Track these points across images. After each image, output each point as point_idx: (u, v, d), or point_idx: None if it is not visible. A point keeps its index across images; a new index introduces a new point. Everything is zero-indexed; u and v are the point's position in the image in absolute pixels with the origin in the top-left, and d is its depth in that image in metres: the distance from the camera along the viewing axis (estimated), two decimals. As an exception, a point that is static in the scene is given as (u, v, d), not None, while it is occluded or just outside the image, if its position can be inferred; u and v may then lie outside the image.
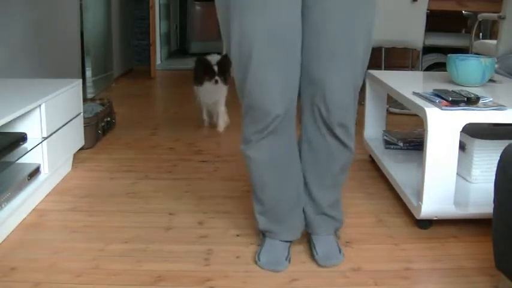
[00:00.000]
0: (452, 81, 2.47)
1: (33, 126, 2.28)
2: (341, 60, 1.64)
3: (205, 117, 3.68)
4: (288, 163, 1.78)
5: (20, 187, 2.11)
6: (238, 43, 1.62)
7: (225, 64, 3.40)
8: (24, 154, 2.18)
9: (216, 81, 3.36)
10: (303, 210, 1.86)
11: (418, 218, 2.06)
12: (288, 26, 1.61)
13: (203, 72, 3.39)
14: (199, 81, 3.43)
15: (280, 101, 1.64)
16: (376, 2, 1.71)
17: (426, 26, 4.01)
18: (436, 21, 4.28)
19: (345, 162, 1.80)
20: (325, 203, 1.83)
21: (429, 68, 4.59)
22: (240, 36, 1.61)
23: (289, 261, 1.81)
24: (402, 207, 2.26)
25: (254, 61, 1.60)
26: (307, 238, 1.91)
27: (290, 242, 1.87)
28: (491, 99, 2.08)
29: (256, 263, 1.80)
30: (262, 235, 1.91)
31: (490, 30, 4.59)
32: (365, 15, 1.66)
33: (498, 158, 1.52)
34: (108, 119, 3.42)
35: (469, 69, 2.40)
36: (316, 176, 1.81)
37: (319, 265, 1.80)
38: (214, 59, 3.44)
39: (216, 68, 3.36)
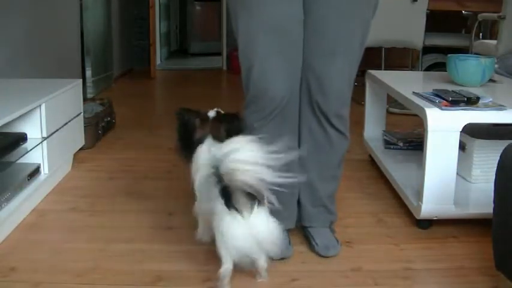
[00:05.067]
0: (452, 81, 2.47)
1: (33, 126, 2.28)
2: (339, 56, 1.75)
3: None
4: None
5: (20, 187, 2.11)
6: (244, 35, 1.73)
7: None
8: (24, 154, 2.18)
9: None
10: (300, 202, 1.92)
11: (418, 218, 2.06)
12: (290, 18, 1.71)
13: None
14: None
15: (285, 87, 1.74)
16: (378, 1, 1.80)
17: (426, 26, 4.01)
18: (436, 21, 4.28)
19: (343, 151, 1.90)
20: (324, 194, 1.91)
21: (429, 68, 4.59)
22: (246, 29, 1.72)
23: (292, 245, 1.86)
24: (402, 207, 2.25)
25: (259, 51, 1.70)
26: (304, 233, 1.93)
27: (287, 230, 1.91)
28: (491, 99, 2.08)
29: None
30: None
31: (490, 30, 4.59)
32: (363, 14, 1.76)
33: (498, 158, 1.52)
34: (108, 119, 3.42)
35: (469, 69, 2.40)
36: (318, 166, 1.88)
37: (319, 255, 1.83)
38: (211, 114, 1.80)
39: None
